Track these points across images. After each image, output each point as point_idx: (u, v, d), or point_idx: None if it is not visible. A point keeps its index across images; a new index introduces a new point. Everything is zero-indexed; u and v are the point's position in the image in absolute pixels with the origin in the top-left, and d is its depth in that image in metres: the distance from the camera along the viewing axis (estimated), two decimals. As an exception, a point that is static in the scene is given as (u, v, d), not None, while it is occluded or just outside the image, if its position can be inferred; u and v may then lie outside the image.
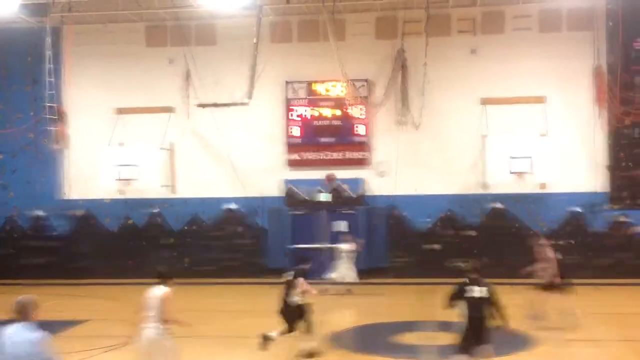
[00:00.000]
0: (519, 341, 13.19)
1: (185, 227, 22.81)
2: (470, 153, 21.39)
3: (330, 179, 20.14)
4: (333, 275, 18.94)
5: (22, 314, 6.74)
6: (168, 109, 22.61)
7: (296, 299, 12.11)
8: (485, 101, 21.44)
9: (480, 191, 21.37)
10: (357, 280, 19.09)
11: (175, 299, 9.49)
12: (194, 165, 22.58)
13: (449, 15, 21.67)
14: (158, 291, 9.47)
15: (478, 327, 9.68)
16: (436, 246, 21.69)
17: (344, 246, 19.15)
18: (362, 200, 21.73)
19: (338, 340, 13.63)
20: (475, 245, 21.41)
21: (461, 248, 21.49)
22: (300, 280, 12.22)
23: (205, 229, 22.71)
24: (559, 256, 15.15)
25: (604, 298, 18.17)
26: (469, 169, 21.43)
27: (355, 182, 21.85)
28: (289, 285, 12.21)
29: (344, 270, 18.96)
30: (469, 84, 21.56)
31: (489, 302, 9.78)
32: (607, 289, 19.13)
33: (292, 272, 12.41)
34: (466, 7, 21.50)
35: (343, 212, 21.50)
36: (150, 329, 9.36)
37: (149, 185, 21.69)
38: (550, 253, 15.14)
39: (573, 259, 20.92)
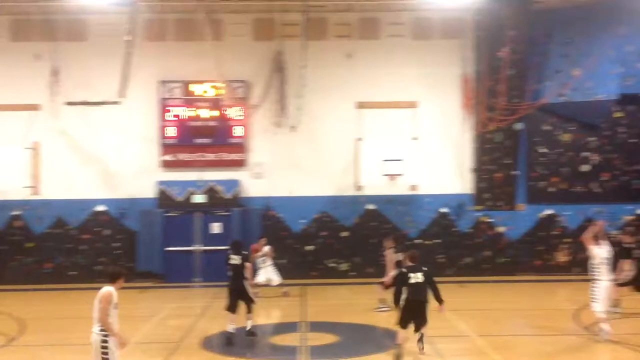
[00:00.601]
0: (385, 339, 13.54)
1: (48, 231, 21.75)
2: (345, 155, 21.73)
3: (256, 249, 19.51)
4: (259, 279, 18.43)
5: None
6: (33, 107, 21.44)
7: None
8: (361, 105, 21.87)
9: (354, 193, 21.79)
10: (282, 281, 18.84)
11: (113, 298, 9.06)
12: (60, 165, 21.51)
13: (326, 20, 21.95)
14: (101, 291, 9.07)
15: (418, 309, 11.46)
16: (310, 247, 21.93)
17: (266, 249, 18.80)
18: (237, 201, 21.61)
19: (212, 344, 13.42)
20: (348, 245, 21.82)
21: (335, 249, 21.87)
22: (248, 264, 13.85)
23: (71, 232, 21.77)
24: (392, 255, 16.19)
25: (468, 295, 18.95)
26: (344, 171, 21.77)
27: (231, 184, 21.68)
28: (240, 269, 13.63)
29: (269, 274, 18.64)
30: (345, 87, 21.91)
31: (427, 286, 11.55)
32: (472, 286, 19.97)
33: (240, 257, 13.71)
34: (343, 12, 21.83)
35: (218, 213, 21.36)
36: (93, 331, 9.00)
37: (9, 186, 20.54)
38: (390, 254, 16.11)
39: (440, 258, 21.88)
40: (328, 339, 13.61)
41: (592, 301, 13.05)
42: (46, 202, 21.45)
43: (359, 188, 21.59)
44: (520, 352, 12.66)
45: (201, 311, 16.75)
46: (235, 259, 13.68)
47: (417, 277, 11.48)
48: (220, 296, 18.61)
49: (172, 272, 21.25)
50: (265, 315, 16.24)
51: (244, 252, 14.00)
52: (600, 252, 13.07)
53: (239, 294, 13.59)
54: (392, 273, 15.69)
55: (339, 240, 21.92)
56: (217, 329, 14.71)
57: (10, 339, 13.78)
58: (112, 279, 9.19)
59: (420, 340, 11.99)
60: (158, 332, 14.85)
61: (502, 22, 20.38)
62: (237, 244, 14.18)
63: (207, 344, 13.36)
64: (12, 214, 21.63)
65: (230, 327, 13.31)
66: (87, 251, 21.67)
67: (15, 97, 21.36)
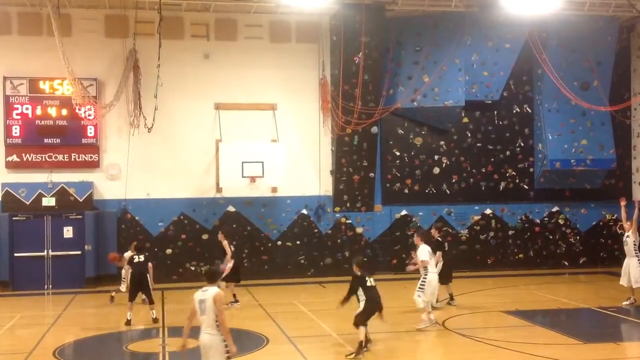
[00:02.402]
0: (246, 340, 13.49)
1: None
2: (204, 157, 21.51)
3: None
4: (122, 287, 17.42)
5: None
6: None
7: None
8: (219, 106, 21.68)
9: (213, 195, 21.56)
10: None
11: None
12: None
13: (182, 19, 21.57)
14: (213, 292, 8.96)
15: (377, 309, 12.59)
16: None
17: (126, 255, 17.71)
18: (90, 204, 20.67)
19: (65, 353, 12.79)
20: (208, 248, 21.49)
21: (196, 252, 21.48)
22: (150, 265, 15.75)
23: None
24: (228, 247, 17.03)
25: (329, 295, 19.24)
26: (203, 173, 21.53)
27: (84, 186, 20.71)
28: (144, 265, 15.47)
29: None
30: (203, 88, 21.65)
31: (376, 288, 12.73)
32: (332, 286, 20.30)
33: (144, 256, 15.55)
34: (199, 11, 21.52)
35: (70, 217, 20.36)
36: (205, 334, 9.02)
37: None
38: (227, 248, 16.95)
39: (301, 258, 22.10)
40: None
41: (418, 291, 14.64)
42: None
43: (219, 190, 21.42)
44: (378, 349, 12.98)
45: (53, 320, 15.87)
46: (139, 258, 15.49)
47: (371, 282, 12.56)
48: (72, 304, 17.85)
49: (21, 279, 19.98)
50: (123, 321, 15.65)
51: (146, 253, 16.00)
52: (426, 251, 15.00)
53: (141, 287, 15.33)
54: (230, 264, 16.81)
55: (199, 243, 21.53)
56: (71, 338, 14.04)
57: None
58: (215, 279, 9.29)
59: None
60: (6, 342, 13.92)
61: (357, 28, 20.92)
62: (140, 246, 16.28)
63: (60, 353, 12.68)
64: None
65: (129, 315, 15.03)
66: None
67: None
